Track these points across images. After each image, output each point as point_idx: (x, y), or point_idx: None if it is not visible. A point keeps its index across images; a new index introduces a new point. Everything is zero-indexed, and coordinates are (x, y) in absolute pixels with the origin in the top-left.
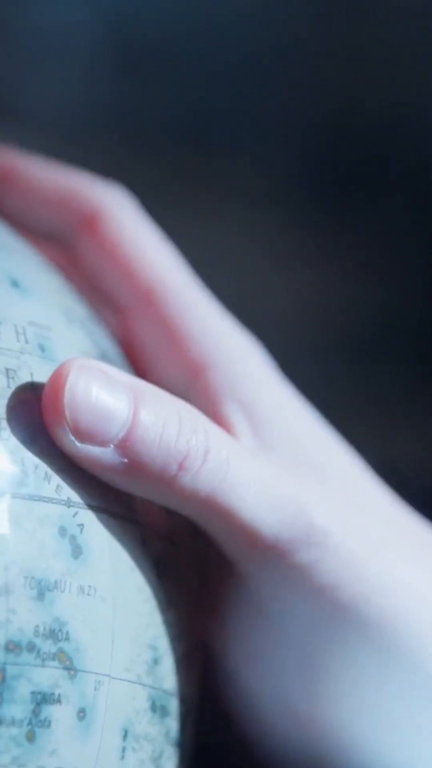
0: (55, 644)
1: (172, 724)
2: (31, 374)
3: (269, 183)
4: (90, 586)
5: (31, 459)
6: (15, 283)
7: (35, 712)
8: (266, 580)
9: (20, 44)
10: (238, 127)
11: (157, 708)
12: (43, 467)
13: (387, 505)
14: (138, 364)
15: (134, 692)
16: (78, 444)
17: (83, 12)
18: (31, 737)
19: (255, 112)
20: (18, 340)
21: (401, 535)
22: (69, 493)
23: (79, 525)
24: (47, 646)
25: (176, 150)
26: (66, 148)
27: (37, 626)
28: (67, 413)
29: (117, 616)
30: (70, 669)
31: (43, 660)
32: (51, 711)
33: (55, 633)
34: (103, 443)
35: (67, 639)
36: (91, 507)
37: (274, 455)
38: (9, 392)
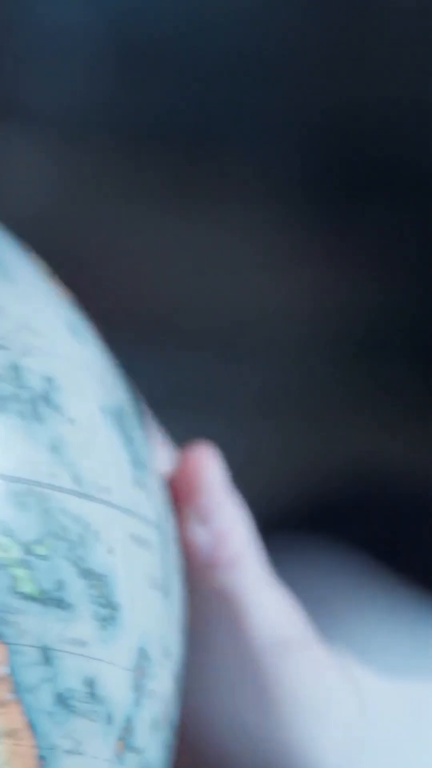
0: None
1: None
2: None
3: (268, 182)
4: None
5: None
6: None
7: None
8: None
9: (21, 44)
10: (237, 127)
11: None
12: None
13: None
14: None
15: None
16: (196, 527)
17: (84, 12)
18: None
19: (254, 111)
20: None
21: None
22: None
23: None
24: None
25: (176, 149)
26: (66, 147)
27: None
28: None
29: None
30: None
31: None
32: None
33: None
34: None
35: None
36: None
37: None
38: None
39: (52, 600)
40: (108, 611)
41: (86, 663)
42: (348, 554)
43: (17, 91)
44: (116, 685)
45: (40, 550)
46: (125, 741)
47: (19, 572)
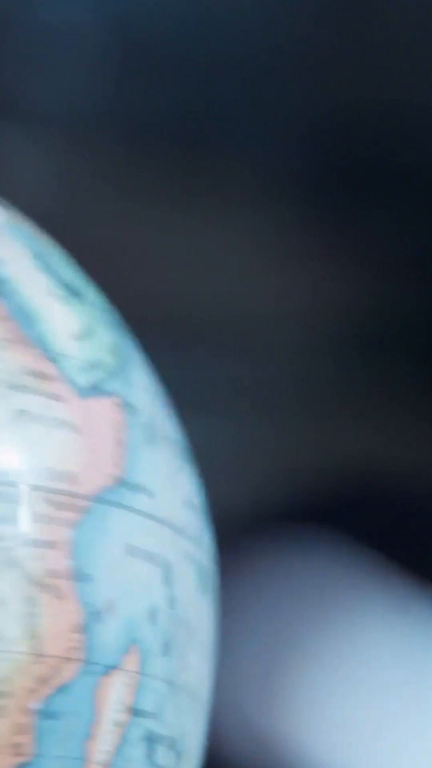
0: None
1: None
2: None
3: (268, 182)
4: None
5: None
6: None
7: None
8: None
9: (23, 44)
10: (238, 127)
11: None
12: None
13: None
14: None
15: None
16: None
17: (87, 12)
18: None
19: (255, 112)
20: None
21: None
22: None
23: None
24: None
25: (178, 150)
26: (68, 147)
27: None
28: None
29: None
30: None
31: None
32: None
33: None
34: None
35: None
36: None
37: None
38: None
39: None
40: None
41: None
42: (347, 548)
43: (19, 90)
44: None
45: None
46: None
47: None
